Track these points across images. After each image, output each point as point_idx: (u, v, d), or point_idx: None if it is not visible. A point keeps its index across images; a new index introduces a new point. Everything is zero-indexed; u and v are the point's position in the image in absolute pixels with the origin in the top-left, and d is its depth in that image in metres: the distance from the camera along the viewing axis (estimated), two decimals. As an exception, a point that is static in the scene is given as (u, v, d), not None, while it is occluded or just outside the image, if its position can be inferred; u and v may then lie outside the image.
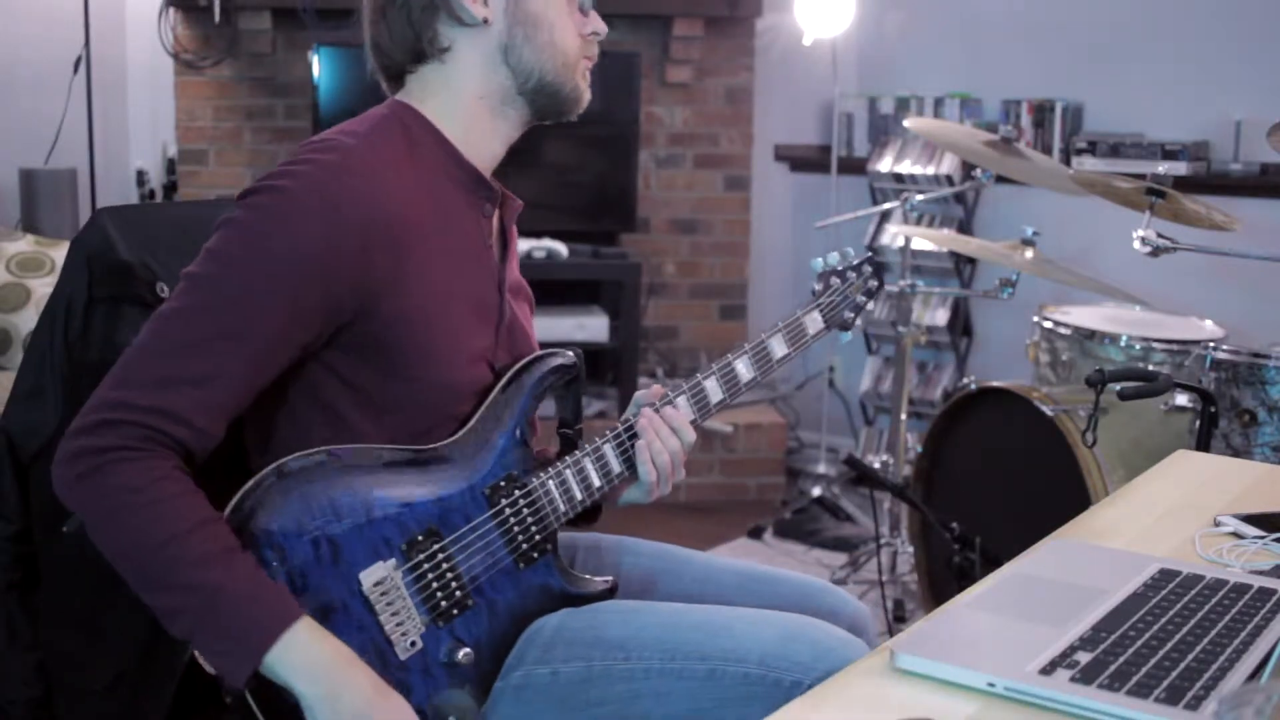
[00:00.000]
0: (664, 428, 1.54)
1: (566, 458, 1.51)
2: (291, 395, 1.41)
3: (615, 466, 1.54)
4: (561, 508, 1.50)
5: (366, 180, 1.36)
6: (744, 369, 1.61)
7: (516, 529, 1.46)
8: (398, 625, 1.37)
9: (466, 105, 1.49)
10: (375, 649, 1.36)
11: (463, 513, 1.42)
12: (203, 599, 1.27)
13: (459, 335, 1.46)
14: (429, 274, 1.41)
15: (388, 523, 1.38)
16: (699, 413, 1.58)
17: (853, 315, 1.71)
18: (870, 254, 1.75)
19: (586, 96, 1.55)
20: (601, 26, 1.54)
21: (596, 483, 1.53)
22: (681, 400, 1.58)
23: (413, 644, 1.38)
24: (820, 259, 1.71)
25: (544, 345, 1.57)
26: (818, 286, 1.69)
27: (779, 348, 1.64)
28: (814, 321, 1.68)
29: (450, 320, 1.44)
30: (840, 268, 1.70)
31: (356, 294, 1.36)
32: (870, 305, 1.73)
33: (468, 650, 1.41)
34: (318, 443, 1.38)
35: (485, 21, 1.46)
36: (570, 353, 1.54)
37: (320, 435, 1.40)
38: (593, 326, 4.32)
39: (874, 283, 1.72)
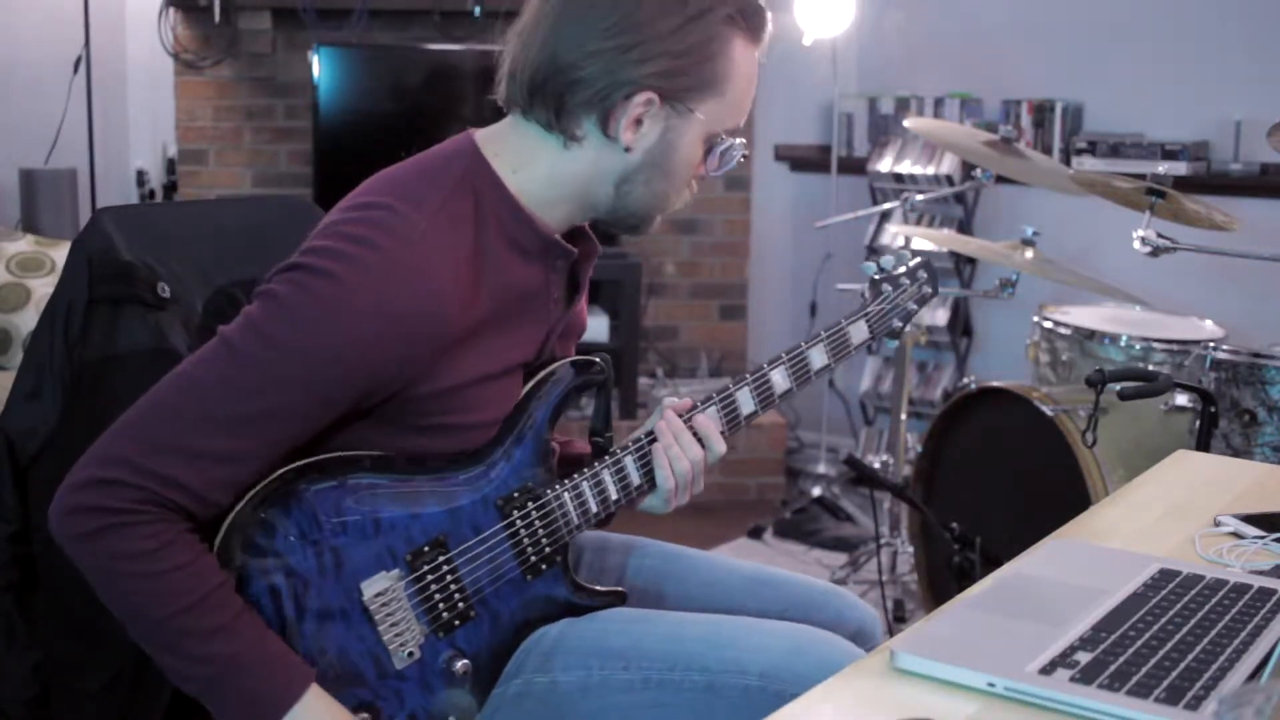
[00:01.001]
0: (684, 433, 1.49)
1: (586, 470, 1.47)
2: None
3: (635, 479, 1.50)
4: (575, 521, 1.46)
5: (424, 279, 1.31)
6: (780, 379, 1.55)
7: (527, 541, 1.43)
8: (396, 635, 1.36)
9: (557, 189, 1.43)
10: (371, 658, 1.35)
11: (473, 524, 1.40)
12: (212, 670, 1.27)
13: (496, 405, 1.43)
14: (472, 359, 1.37)
15: (394, 533, 1.36)
16: (729, 424, 1.52)
17: (902, 324, 1.64)
18: (926, 258, 1.68)
19: (650, 229, 1.51)
20: (708, 173, 1.48)
21: (614, 496, 1.49)
22: (712, 410, 1.52)
23: (410, 654, 1.37)
24: (873, 263, 1.64)
25: None
26: (867, 293, 1.62)
27: (819, 358, 1.57)
28: (859, 331, 1.60)
29: (487, 392, 1.41)
30: (895, 272, 1.64)
31: (393, 383, 1.33)
32: (921, 311, 1.66)
33: (465, 662, 1.39)
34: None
35: (627, 149, 1.41)
36: (597, 359, 1.49)
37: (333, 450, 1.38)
38: (592, 326, 4.29)
39: (928, 289, 1.65)
